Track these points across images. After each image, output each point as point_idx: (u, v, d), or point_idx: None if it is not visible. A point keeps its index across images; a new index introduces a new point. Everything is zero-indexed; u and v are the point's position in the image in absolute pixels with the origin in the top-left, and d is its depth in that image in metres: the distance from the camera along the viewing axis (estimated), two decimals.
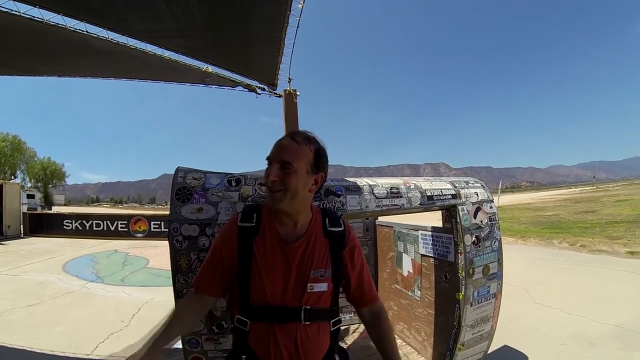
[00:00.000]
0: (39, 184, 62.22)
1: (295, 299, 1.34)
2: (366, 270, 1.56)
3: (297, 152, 1.36)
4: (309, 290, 1.35)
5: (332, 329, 1.45)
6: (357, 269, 1.51)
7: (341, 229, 1.49)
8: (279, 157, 1.35)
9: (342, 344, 1.60)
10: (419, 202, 2.41)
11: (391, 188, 2.36)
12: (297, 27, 5.61)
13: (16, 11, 4.87)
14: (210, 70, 7.33)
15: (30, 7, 4.85)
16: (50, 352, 4.19)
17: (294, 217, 1.41)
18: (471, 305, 2.54)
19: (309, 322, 1.35)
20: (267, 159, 1.38)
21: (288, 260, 1.36)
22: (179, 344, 1.99)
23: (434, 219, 2.91)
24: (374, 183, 2.35)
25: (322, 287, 1.38)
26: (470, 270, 2.51)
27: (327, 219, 1.49)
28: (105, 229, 16.49)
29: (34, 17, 5.01)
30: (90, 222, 16.74)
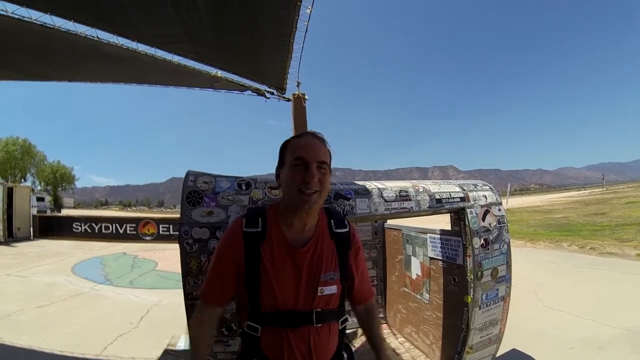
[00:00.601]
0: (49, 187, 62.79)
1: (306, 303, 1.34)
2: (366, 269, 1.60)
3: (326, 152, 1.36)
4: (319, 294, 1.34)
5: (340, 328, 1.46)
6: (360, 269, 1.54)
7: (347, 229, 1.49)
8: (317, 157, 1.32)
9: (351, 347, 1.61)
10: (427, 205, 2.41)
11: (400, 191, 2.37)
12: (306, 31, 5.63)
13: (28, 18, 4.94)
14: (219, 75, 7.37)
15: (42, 14, 4.92)
16: (59, 353, 4.22)
17: (307, 219, 1.39)
18: (480, 308, 2.54)
19: (320, 325, 1.35)
20: (301, 158, 1.31)
21: (297, 265, 1.34)
22: (187, 346, 2.01)
23: (443, 222, 2.91)
24: (383, 186, 2.36)
25: (332, 289, 1.37)
26: (479, 273, 2.51)
27: (332, 220, 1.47)
28: (114, 231, 16.58)
29: (46, 23, 5.08)
30: (99, 224, 16.85)
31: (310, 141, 1.36)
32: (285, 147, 1.40)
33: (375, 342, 1.59)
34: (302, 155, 1.31)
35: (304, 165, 1.30)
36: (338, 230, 1.46)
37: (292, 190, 1.32)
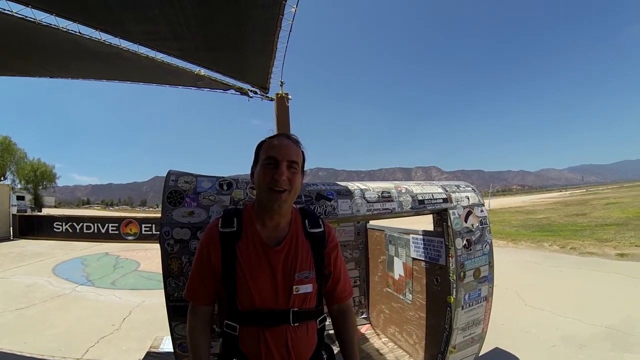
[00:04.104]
0: (29, 186, 61.57)
1: (282, 302, 1.35)
2: (344, 268, 1.60)
3: (298, 152, 1.40)
4: (295, 293, 1.36)
5: (318, 327, 1.47)
6: (337, 267, 1.55)
7: (321, 229, 1.50)
8: (287, 156, 1.35)
9: (334, 347, 1.60)
10: (410, 206, 2.42)
11: (382, 192, 2.37)
12: (290, 31, 5.62)
13: (8, 10, 4.83)
14: (202, 73, 7.32)
15: (23, 6, 4.82)
16: (39, 356, 4.15)
17: (280, 218, 1.42)
18: (462, 308, 2.55)
19: (297, 324, 1.36)
20: (272, 157, 1.35)
21: (272, 264, 1.36)
22: (170, 348, 1.98)
23: (425, 222, 2.93)
24: (365, 187, 2.36)
25: (308, 288, 1.39)
26: (462, 274, 2.53)
27: (306, 220, 1.50)
28: (95, 231, 16.35)
29: (26, 17, 4.97)
30: (81, 224, 16.60)
31: (283, 141, 1.40)
32: (260, 147, 1.43)
33: (345, 348, 1.57)
34: (273, 154, 1.35)
35: (274, 163, 1.34)
36: (312, 230, 1.48)
37: (263, 188, 1.36)
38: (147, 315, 5.64)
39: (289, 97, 8.40)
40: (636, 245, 9.71)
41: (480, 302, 2.67)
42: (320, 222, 1.53)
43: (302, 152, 1.44)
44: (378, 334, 3.81)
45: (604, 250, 9.63)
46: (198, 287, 1.44)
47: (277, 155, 1.34)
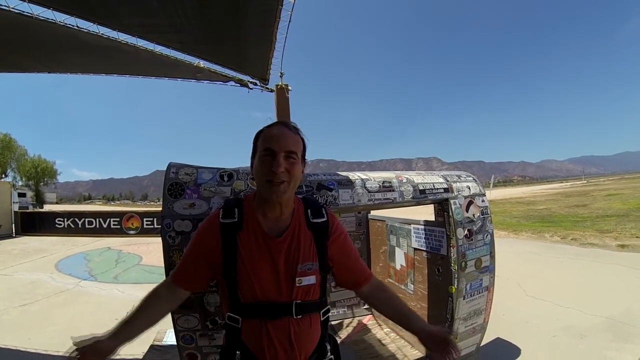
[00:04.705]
0: (30, 183, 61.61)
1: (285, 294, 1.33)
2: (355, 254, 1.56)
3: (296, 141, 1.35)
4: (297, 285, 1.33)
5: (322, 319, 1.45)
6: (345, 256, 1.51)
7: (324, 219, 1.46)
8: (285, 147, 1.31)
9: (337, 338, 1.60)
10: (411, 196, 2.41)
11: (383, 182, 2.36)
12: (289, 21, 5.60)
13: (5, 6, 4.81)
14: (202, 66, 7.31)
15: (20, 1, 4.80)
16: (44, 352, 4.16)
17: (282, 208, 1.38)
18: (464, 299, 2.55)
19: (300, 316, 1.34)
20: (268, 149, 1.30)
21: (273, 256, 1.33)
22: (173, 341, 1.99)
23: (426, 212, 2.92)
24: (366, 177, 2.35)
25: (311, 280, 1.36)
26: (463, 264, 2.53)
27: (309, 210, 1.46)
28: (97, 226, 16.40)
29: (23, 12, 4.95)
30: (83, 220, 16.63)
31: (281, 131, 1.35)
32: (257, 137, 1.39)
33: (399, 316, 1.51)
34: (270, 145, 1.31)
35: (271, 155, 1.30)
36: (315, 220, 1.44)
37: (261, 181, 1.33)
38: None
39: (289, 88, 8.39)
40: (637, 237, 9.70)
41: (482, 292, 2.67)
42: (323, 212, 1.49)
43: (302, 140, 1.39)
44: (380, 325, 3.81)
45: (604, 241, 9.62)
46: (186, 271, 1.43)
47: (274, 147, 1.30)
